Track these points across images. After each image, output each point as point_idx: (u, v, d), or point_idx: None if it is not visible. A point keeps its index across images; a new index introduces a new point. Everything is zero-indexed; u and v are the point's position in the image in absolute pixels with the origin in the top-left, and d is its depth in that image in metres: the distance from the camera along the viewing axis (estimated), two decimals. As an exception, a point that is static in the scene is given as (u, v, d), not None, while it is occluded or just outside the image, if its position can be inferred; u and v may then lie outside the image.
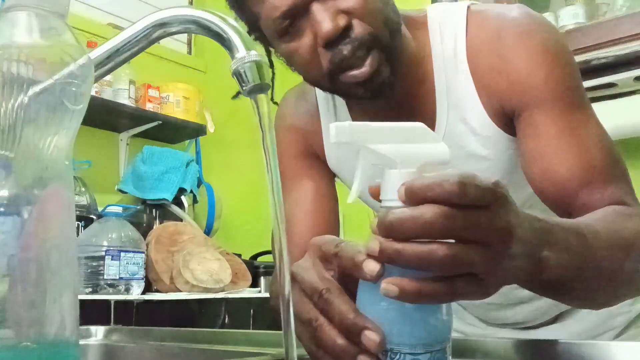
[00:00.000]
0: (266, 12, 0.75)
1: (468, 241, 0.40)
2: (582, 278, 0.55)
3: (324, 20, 0.71)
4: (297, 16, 0.73)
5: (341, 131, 0.41)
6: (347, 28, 0.72)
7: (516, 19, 0.77)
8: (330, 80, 0.76)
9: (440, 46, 0.81)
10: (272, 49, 0.83)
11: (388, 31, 0.74)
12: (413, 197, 0.40)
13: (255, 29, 0.80)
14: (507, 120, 0.78)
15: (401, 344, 0.41)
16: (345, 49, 0.72)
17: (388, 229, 0.40)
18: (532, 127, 0.74)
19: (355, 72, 0.73)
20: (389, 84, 0.75)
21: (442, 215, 0.39)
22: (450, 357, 0.42)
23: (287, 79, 0.92)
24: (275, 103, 0.93)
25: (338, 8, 0.72)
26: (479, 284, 0.42)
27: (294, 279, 0.47)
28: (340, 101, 0.90)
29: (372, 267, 0.40)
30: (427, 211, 0.39)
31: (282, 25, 0.74)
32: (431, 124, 0.81)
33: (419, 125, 0.44)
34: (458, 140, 0.80)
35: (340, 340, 0.43)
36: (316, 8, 0.72)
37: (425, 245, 0.39)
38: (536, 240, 0.48)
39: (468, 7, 0.82)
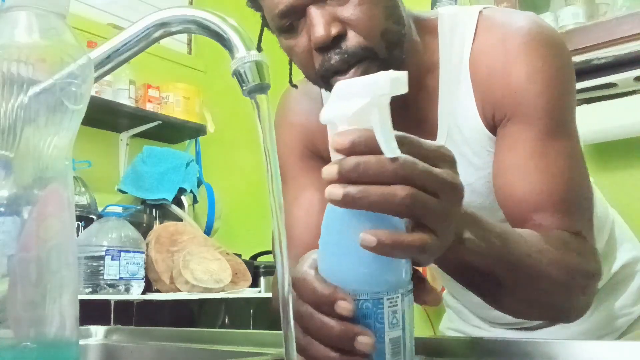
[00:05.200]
0: (267, 8, 0.76)
1: (424, 189, 0.42)
2: (496, 277, 0.58)
3: (317, 26, 0.71)
4: (295, 16, 0.73)
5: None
6: (340, 37, 0.71)
7: (523, 28, 0.76)
8: (323, 82, 0.77)
9: (448, 53, 0.80)
10: None
11: (385, 44, 0.73)
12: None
13: (265, 20, 0.81)
14: (496, 127, 0.78)
15: (360, 290, 0.43)
16: (334, 58, 0.72)
17: (353, 169, 0.41)
18: (509, 140, 0.74)
19: (339, 78, 0.73)
20: None
21: (403, 161, 0.41)
22: (409, 304, 0.44)
23: (287, 76, 0.92)
24: (295, 85, 0.92)
25: (334, 15, 0.71)
26: (434, 238, 0.44)
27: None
28: None
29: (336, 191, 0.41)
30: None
31: (280, 23, 0.75)
32: (433, 131, 0.81)
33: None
34: (456, 148, 0.79)
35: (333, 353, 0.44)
36: (313, 12, 0.71)
37: (388, 187, 0.41)
38: (462, 220, 0.51)
39: (480, 11, 0.80)
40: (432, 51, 0.81)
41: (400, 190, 0.41)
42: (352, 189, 0.41)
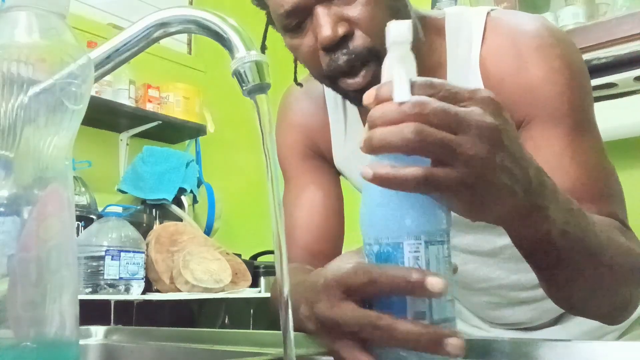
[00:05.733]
0: (272, 7, 0.76)
1: (441, 127, 0.41)
2: (573, 257, 0.56)
3: (324, 26, 0.70)
4: (301, 15, 0.73)
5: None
6: (347, 37, 0.71)
7: (535, 30, 0.76)
8: (329, 82, 0.77)
9: (455, 53, 0.80)
10: None
11: None
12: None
13: (270, 18, 0.81)
14: None
15: (382, 235, 0.43)
16: (342, 59, 0.72)
17: (372, 119, 0.42)
18: (535, 141, 0.74)
19: (349, 81, 0.73)
20: None
21: (415, 100, 0.41)
22: (437, 255, 0.43)
23: (288, 76, 0.92)
24: (299, 84, 0.92)
25: (341, 15, 0.71)
26: (455, 176, 0.42)
27: (324, 324, 0.47)
28: None
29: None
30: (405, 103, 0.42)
31: (285, 22, 0.75)
32: None
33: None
34: None
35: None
36: (320, 11, 0.71)
37: (396, 125, 0.41)
38: (541, 187, 0.49)
39: (488, 13, 0.80)
40: (438, 51, 0.80)
41: (406, 127, 0.41)
42: (368, 133, 0.42)
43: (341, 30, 0.71)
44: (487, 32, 0.78)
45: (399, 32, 0.43)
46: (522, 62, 0.75)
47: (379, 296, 0.44)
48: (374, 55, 0.71)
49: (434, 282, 0.40)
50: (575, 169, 0.72)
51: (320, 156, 0.95)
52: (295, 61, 0.87)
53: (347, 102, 0.90)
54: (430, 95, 0.42)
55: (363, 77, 0.72)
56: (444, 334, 0.41)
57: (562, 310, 0.93)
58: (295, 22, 0.74)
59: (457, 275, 1.00)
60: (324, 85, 0.92)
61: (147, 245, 1.90)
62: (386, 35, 0.43)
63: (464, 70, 0.79)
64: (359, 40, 0.71)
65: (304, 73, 0.87)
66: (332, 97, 0.91)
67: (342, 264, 0.46)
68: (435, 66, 0.80)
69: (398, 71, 0.42)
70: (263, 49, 0.86)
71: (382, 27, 0.72)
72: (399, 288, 0.41)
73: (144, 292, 1.82)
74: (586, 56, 1.66)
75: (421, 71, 0.80)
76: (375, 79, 0.71)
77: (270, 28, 0.85)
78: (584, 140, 0.74)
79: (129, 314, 1.50)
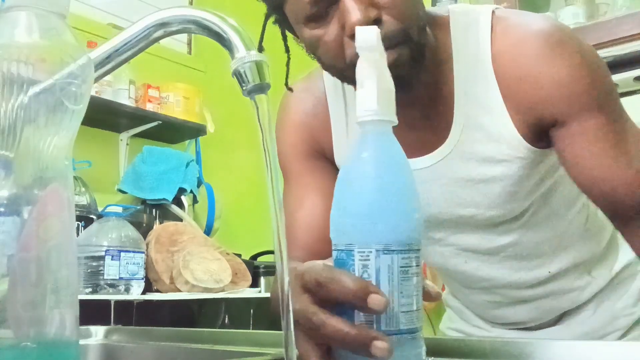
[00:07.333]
0: None
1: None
2: None
3: (354, 10, 0.69)
4: (327, 3, 0.72)
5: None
6: (377, 22, 0.70)
7: (544, 29, 0.76)
8: (353, 71, 0.75)
9: (462, 49, 0.80)
10: (287, 35, 0.83)
11: (417, 28, 0.73)
12: None
13: (277, 10, 0.79)
14: (535, 129, 0.77)
15: (338, 240, 0.45)
16: None
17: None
18: (579, 135, 0.74)
19: None
20: (409, 80, 0.73)
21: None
22: (390, 265, 0.43)
23: (288, 76, 0.92)
24: (290, 89, 0.91)
25: (369, 0, 0.70)
26: None
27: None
28: (351, 96, 0.89)
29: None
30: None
31: (310, 11, 0.73)
32: (447, 127, 0.80)
33: None
34: (472, 144, 0.79)
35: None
36: None
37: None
38: None
39: (493, 12, 0.80)
40: (444, 46, 0.80)
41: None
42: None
43: (372, 14, 0.70)
44: (495, 31, 0.78)
45: (366, 38, 0.43)
46: (541, 61, 0.74)
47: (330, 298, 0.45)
48: (404, 39, 0.71)
49: (374, 300, 0.41)
50: (622, 161, 0.74)
51: (322, 155, 0.94)
52: (287, 64, 0.86)
53: (349, 100, 0.89)
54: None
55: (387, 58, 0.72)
56: (371, 336, 0.41)
57: (564, 310, 0.93)
58: (320, 11, 0.73)
59: (458, 275, 1.00)
60: (325, 83, 0.92)
61: (147, 245, 1.90)
62: (355, 41, 0.44)
63: (473, 67, 0.79)
64: (389, 24, 0.70)
65: (296, 76, 0.85)
66: (333, 95, 0.91)
67: (315, 262, 0.48)
68: (440, 61, 0.80)
69: (368, 80, 0.44)
70: (261, 44, 0.84)
71: (410, 8, 0.73)
72: (343, 298, 0.43)
73: (144, 292, 1.82)
74: (586, 56, 1.66)
75: (429, 65, 0.79)
76: (403, 60, 0.71)
77: (269, 27, 0.84)
78: (622, 127, 0.75)
79: (129, 314, 1.50)
